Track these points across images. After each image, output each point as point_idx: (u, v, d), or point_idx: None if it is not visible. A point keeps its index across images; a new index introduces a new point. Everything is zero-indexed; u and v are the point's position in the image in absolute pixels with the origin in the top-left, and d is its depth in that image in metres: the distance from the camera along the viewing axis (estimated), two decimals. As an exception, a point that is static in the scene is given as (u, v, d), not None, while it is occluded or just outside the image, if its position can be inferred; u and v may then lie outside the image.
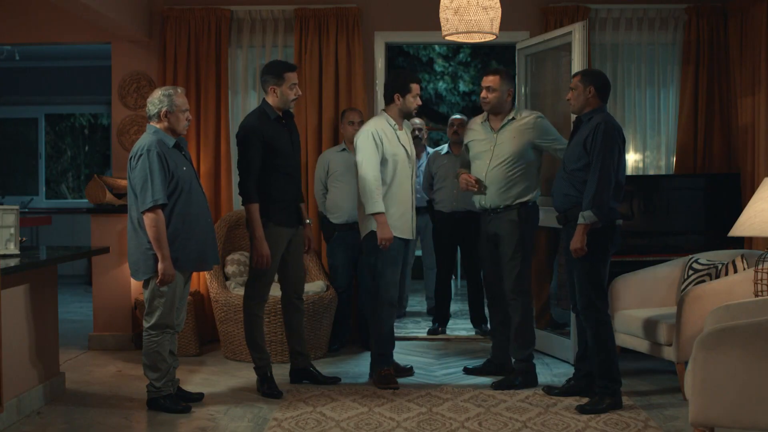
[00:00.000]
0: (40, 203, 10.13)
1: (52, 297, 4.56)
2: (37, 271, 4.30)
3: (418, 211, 5.41)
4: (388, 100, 4.77)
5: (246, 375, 4.99)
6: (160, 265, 4.06)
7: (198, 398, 4.45)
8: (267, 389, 4.56)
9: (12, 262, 3.92)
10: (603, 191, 4.11)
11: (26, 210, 8.67)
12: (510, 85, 4.74)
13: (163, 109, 4.18)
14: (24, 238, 4.56)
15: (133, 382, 4.85)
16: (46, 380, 4.43)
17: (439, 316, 6.28)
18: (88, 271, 8.44)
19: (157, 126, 4.20)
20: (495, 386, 4.66)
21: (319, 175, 5.65)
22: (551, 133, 4.75)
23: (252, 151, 4.47)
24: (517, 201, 4.68)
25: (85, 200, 5.94)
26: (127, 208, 5.60)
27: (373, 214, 4.59)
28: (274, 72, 4.56)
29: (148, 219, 4.03)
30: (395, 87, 4.75)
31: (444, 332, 6.22)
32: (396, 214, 4.70)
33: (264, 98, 4.63)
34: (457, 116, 6.29)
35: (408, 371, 5.00)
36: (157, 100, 4.19)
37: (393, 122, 4.76)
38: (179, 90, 4.25)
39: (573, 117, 4.61)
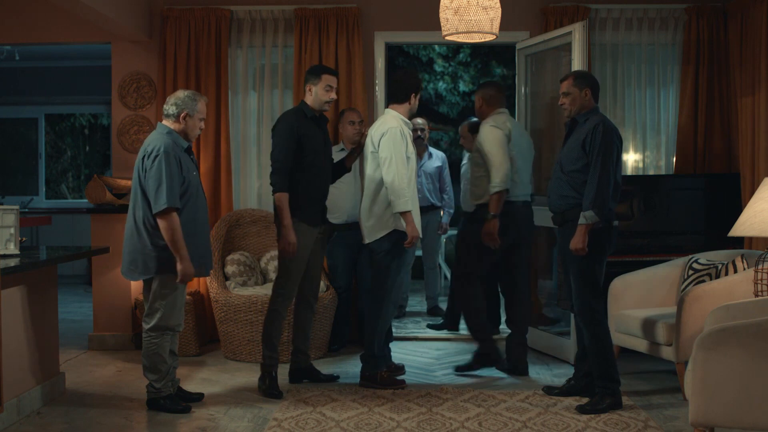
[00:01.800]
0: (40, 203, 10.13)
1: (52, 297, 4.56)
2: (37, 271, 4.30)
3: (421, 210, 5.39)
4: (403, 99, 4.69)
5: (246, 375, 4.99)
6: (179, 265, 4.06)
7: (198, 398, 4.45)
8: (268, 388, 4.55)
9: (12, 262, 3.92)
10: (604, 191, 4.12)
11: (26, 210, 8.64)
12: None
13: (184, 112, 4.16)
14: (24, 238, 4.56)
15: (133, 382, 4.85)
16: (46, 380, 4.43)
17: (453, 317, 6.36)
18: (88, 271, 8.44)
19: (171, 126, 4.18)
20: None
21: None
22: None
23: (285, 143, 4.50)
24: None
25: (85, 200, 5.94)
26: (127, 208, 5.70)
27: (404, 213, 4.53)
28: (315, 71, 4.64)
29: (162, 222, 4.01)
30: (413, 86, 4.71)
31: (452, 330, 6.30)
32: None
33: (303, 98, 4.69)
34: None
35: (400, 369, 4.98)
36: (180, 101, 4.18)
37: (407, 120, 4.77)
38: (204, 98, 4.27)
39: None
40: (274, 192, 4.51)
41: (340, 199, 5.52)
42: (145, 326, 4.21)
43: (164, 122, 4.21)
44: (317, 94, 4.59)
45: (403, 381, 4.74)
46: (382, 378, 4.68)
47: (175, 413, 4.20)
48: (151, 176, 4.00)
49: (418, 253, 7.24)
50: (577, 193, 4.23)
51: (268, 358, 4.62)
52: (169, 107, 4.18)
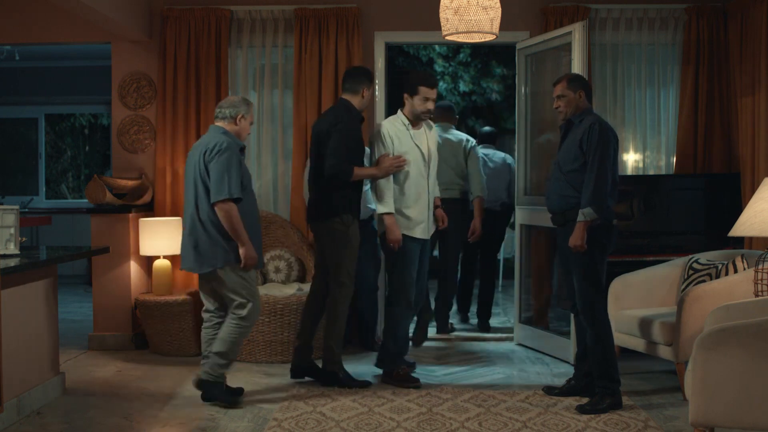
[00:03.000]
0: (40, 203, 10.13)
1: (52, 297, 4.56)
2: (36, 271, 4.30)
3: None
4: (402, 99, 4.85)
5: (246, 375, 4.99)
6: (242, 251, 4.22)
7: (239, 393, 4.51)
8: (352, 379, 4.71)
9: (12, 262, 3.92)
10: (602, 188, 4.14)
11: (26, 210, 8.67)
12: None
13: (240, 114, 4.38)
14: (24, 238, 4.55)
15: (134, 383, 4.85)
16: (46, 380, 4.43)
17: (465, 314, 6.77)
18: (89, 271, 8.43)
19: (227, 128, 4.36)
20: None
21: None
22: None
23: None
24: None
25: (86, 200, 5.94)
26: (128, 208, 5.71)
27: (382, 215, 4.68)
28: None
29: (221, 210, 4.17)
30: (405, 87, 4.80)
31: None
32: (412, 214, 4.74)
33: (347, 98, 4.76)
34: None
35: (412, 366, 5.04)
36: (236, 103, 4.39)
37: (407, 121, 4.79)
38: (253, 103, 4.50)
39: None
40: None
41: None
42: (239, 313, 4.31)
43: (218, 124, 4.39)
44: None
45: (416, 379, 4.79)
46: (398, 375, 4.75)
47: (228, 404, 4.31)
48: (214, 168, 4.18)
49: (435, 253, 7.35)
50: (576, 193, 4.24)
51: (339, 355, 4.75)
52: (225, 110, 4.38)
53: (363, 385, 4.70)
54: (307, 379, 4.83)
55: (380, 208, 4.71)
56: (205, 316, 4.55)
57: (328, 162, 4.57)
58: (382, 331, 4.88)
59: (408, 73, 4.97)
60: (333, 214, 4.63)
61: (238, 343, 4.38)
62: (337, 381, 4.68)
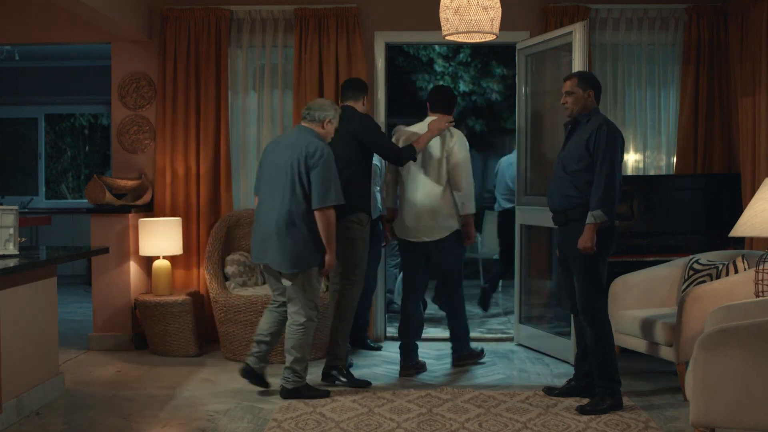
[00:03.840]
0: (40, 203, 10.12)
1: (52, 297, 4.55)
2: (36, 271, 4.29)
3: None
4: (450, 111, 5.20)
5: (246, 375, 4.99)
6: (328, 257, 4.40)
7: (366, 384, 4.72)
8: (355, 379, 4.80)
9: (11, 263, 3.91)
10: (612, 191, 4.14)
11: (26, 210, 8.66)
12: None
13: (328, 118, 4.51)
14: (23, 239, 4.55)
15: (133, 383, 4.84)
16: (46, 381, 4.42)
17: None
18: (89, 271, 8.43)
19: (314, 129, 4.48)
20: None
21: None
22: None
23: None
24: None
25: (86, 200, 5.94)
26: (128, 208, 5.70)
27: (470, 215, 5.11)
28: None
29: (322, 216, 4.33)
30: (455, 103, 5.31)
31: None
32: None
33: (351, 105, 4.91)
34: None
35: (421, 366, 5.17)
36: (327, 107, 4.54)
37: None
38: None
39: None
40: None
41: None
42: (300, 319, 4.41)
43: (306, 125, 4.50)
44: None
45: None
46: (472, 355, 5.29)
47: (316, 398, 4.42)
48: (319, 174, 4.31)
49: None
50: (580, 193, 4.23)
51: (346, 353, 4.87)
52: (315, 112, 4.50)
53: (364, 384, 4.73)
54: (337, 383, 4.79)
55: (473, 208, 5.09)
56: (274, 303, 4.65)
57: (393, 154, 4.83)
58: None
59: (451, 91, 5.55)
60: (350, 213, 4.71)
61: (308, 344, 4.50)
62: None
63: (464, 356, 5.29)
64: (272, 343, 4.64)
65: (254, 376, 4.61)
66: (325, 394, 4.49)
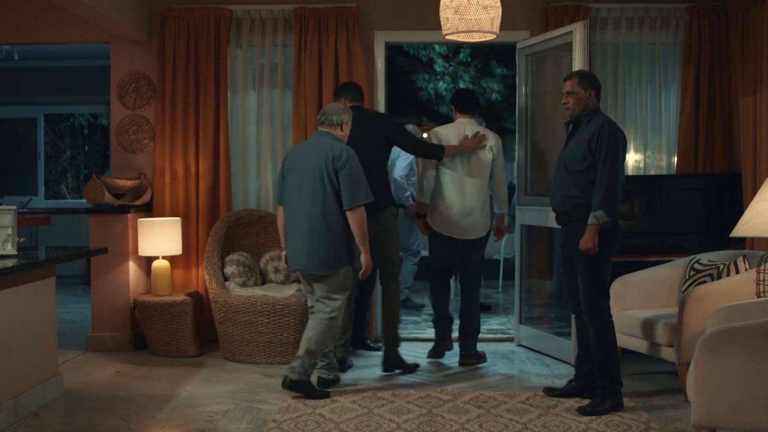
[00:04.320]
0: (39, 203, 10.10)
1: (50, 298, 4.54)
2: (34, 271, 4.27)
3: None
4: (475, 111, 5.48)
5: (245, 376, 4.97)
6: (364, 257, 4.47)
7: (414, 368, 5.03)
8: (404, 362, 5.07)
9: (9, 263, 3.89)
10: (614, 191, 4.12)
11: (25, 210, 8.65)
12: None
13: (344, 121, 4.62)
14: (22, 239, 4.53)
15: (132, 384, 4.83)
16: (44, 381, 4.40)
17: None
18: (88, 271, 8.41)
19: (333, 133, 4.58)
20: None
21: None
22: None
23: None
24: None
25: (85, 200, 5.92)
26: (127, 208, 5.68)
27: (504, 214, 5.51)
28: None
29: (354, 216, 4.41)
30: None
31: None
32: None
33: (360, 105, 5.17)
34: None
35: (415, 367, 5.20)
36: (341, 110, 4.64)
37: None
38: None
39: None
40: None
41: None
42: (329, 315, 4.49)
43: (324, 130, 4.59)
44: None
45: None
46: (479, 356, 5.37)
47: (315, 398, 4.44)
48: (347, 176, 4.41)
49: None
50: (582, 193, 4.21)
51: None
52: (332, 117, 4.59)
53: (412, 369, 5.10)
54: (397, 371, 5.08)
55: (506, 207, 5.46)
56: (311, 309, 4.67)
57: (421, 151, 5.18)
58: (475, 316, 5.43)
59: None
60: (384, 208, 4.93)
61: (326, 341, 4.56)
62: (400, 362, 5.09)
63: (472, 355, 5.34)
64: (331, 349, 4.70)
65: (327, 384, 4.66)
66: (326, 395, 4.49)
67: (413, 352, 5.62)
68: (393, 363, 5.06)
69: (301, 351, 4.47)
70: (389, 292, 5.06)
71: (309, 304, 4.65)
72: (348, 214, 4.41)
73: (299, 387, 4.45)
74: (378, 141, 4.99)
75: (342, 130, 4.61)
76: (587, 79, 4.32)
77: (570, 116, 4.35)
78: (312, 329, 4.48)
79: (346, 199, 4.39)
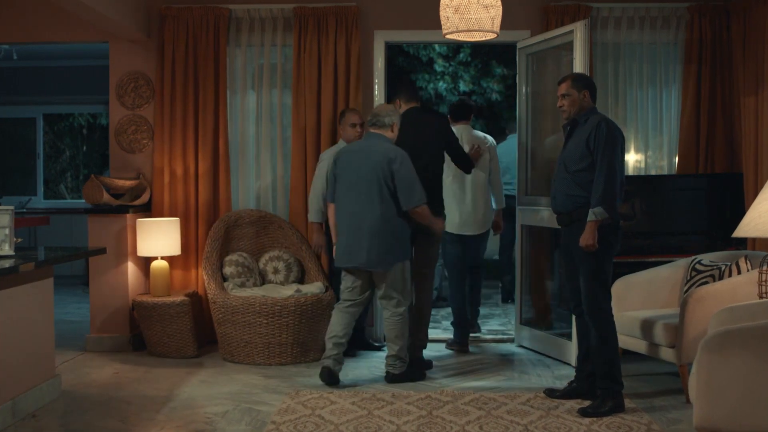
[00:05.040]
0: (38, 203, 10.08)
1: (48, 298, 4.51)
2: (31, 272, 4.24)
3: None
4: (469, 117, 6.08)
5: (244, 377, 4.95)
6: (437, 227, 4.88)
7: (429, 366, 5.10)
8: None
9: (6, 264, 3.87)
10: (612, 187, 4.11)
11: (24, 210, 8.62)
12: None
13: (395, 123, 4.80)
14: (19, 239, 4.50)
15: (130, 385, 4.80)
16: (42, 383, 4.38)
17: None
18: (87, 271, 8.39)
19: (384, 134, 4.76)
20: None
21: (328, 177, 5.44)
22: None
23: None
24: None
25: (84, 200, 5.90)
26: (125, 208, 5.67)
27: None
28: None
29: (416, 213, 4.70)
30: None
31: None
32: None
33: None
34: None
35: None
36: (392, 112, 4.82)
37: None
38: None
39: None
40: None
41: None
42: (401, 308, 4.74)
43: (376, 131, 4.77)
44: None
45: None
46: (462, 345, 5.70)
47: (418, 380, 4.81)
48: (404, 177, 4.63)
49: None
50: (584, 192, 4.20)
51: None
52: (384, 118, 4.77)
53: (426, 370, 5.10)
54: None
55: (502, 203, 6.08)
56: (345, 302, 4.86)
57: (462, 164, 5.36)
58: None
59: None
60: (436, 215, 4.98)
61: (407, 329, 4.83)
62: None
63: (458, 343, 5.73)
64: (347, 343, 4.84)
65: (334, 377, 4.73)
66: (423, 377, 4.87)
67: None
68: (418, 365, 5.03)
69: (393, 351, 4.76)
70: (421, 288, 5.15)
71: (344, 299, 4.84)
72: (412, 213, 4.69)
73: (405, 377, 4.79)
74: (435, 143, 5.13)
75: (392, 131, 4.77)
76: (581, 81, 4.33)
77: (566, 118, 4.35)
78: (389, 329, 4.78)
79: (403, 201, 4.64)
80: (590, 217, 4.12)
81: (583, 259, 4.20)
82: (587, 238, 4.13)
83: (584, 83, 4.32)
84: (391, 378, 4.78)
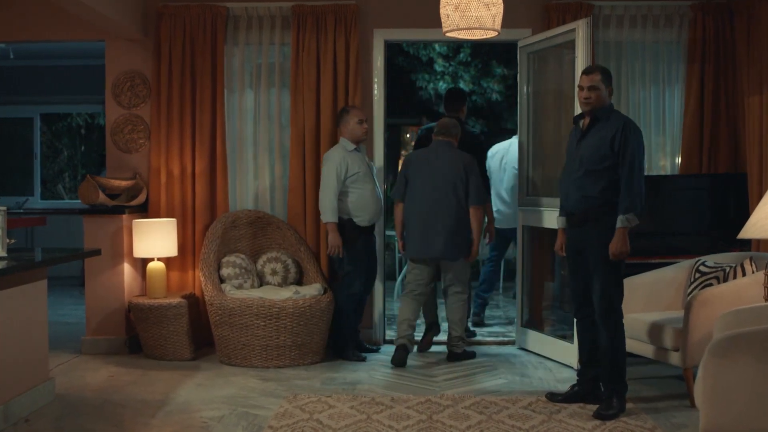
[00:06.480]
0: (35, 203, 10.02)
1: (41, 300, 4.44)
2: (25, 273, 4.17)
3: None
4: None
5: (241, 380, 4.88)
6: (475, 247, 5.32)
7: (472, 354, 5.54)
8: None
9: (-1, 265, 3.80)
10: (641, 193, 4.08)
11: (21, 210, 8.55)
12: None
13: (458, 135, 5.50)
14: (13, 240, 4.43)
15: (125, 388, 4.73)
16: (35, 386, 4.31)
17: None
18: (83, 272, 8.33)
19: (453, 143, 5.43)
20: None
21: (339, 176, 5.34)
22: None
23: None
24: None
25: (81, 201, 5.83)
26: (122, 209, 5.61)
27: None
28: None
29: (479, 211, 5.30)
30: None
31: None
32: None
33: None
34: None
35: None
36: (456, 125, 5.48)
37: None
38: None
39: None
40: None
41: (366, 201, 5.41)
42: (463, 296, 5.39)
43: (444, 139, 5.39)
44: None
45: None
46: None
47: (471, 359, 5.42)
48: (475, 179, 5.28)
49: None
50: (602, 193, 4.14)
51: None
52: (452, 130, 5.43)
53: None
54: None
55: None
56: (414, 291, 5.40)
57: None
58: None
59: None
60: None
61: (465, 317, 5.54)
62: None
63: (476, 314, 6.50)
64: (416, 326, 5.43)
65: (405, 356, 5.25)
66: (474, 355, 5.47)
67: (414, 355, 5.53)
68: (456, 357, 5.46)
69: (456, 332, 5.37)
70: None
71: (412, 288, 5.37)
72: (472, 210, 5.25)
73: (465, 355, 5.39)
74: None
75: (456, 141, 5.44)
76: (608, 75, 4.26)
77: (588, 110, 4.23)
78: (454, 313, 5.37)
79: (474, 198, 5.24)
80: (622, 223, 4.06)
81: (603, 262, 4.13)
82: (619, 245, 4.06)
83: (610, 79, 4.25)
84: (453, 356, 5.37)
